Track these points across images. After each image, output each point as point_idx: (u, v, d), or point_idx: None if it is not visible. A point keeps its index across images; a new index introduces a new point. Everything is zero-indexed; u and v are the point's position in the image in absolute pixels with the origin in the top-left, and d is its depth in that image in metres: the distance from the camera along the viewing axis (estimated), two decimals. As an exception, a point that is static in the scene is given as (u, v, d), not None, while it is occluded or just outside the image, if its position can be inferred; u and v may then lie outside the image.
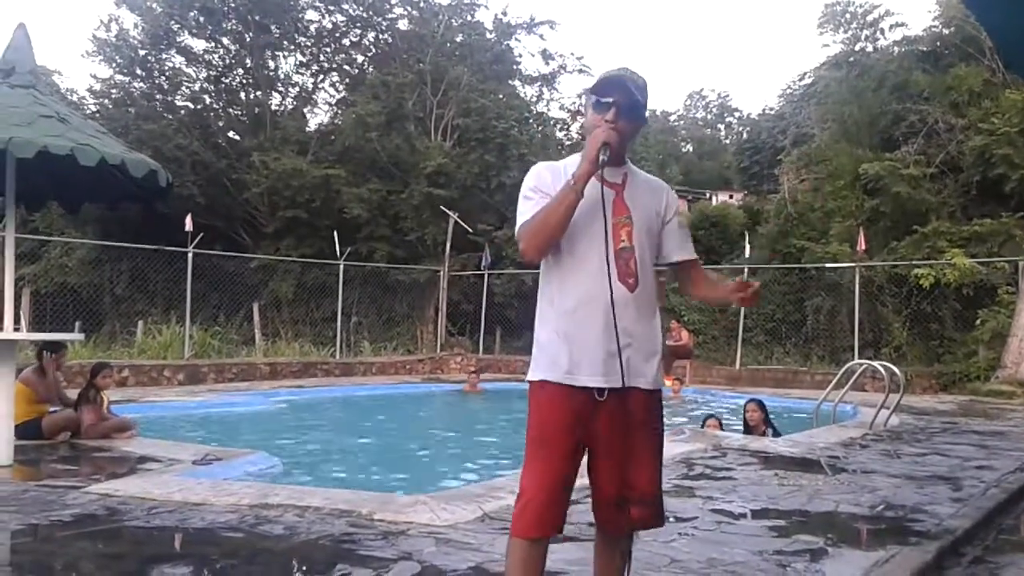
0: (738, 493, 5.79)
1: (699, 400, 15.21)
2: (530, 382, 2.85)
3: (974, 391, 15.11)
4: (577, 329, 2.74)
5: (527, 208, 2.80)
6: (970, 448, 8.41)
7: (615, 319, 2.68)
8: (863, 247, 17.21)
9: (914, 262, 17.43)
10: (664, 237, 2.93)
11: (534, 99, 29.41)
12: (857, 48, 24.39)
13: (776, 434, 9.16)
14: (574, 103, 30.07)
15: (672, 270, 3.04)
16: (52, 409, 8.19)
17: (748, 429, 9.36)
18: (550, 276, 2.85)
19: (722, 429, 9.39)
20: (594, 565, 2.99)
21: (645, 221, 2.84)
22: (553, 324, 2.80)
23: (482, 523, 4.69)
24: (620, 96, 2.73)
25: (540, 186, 2.81)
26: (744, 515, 5.14)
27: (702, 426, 9.49)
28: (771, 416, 9.56)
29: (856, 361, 12.09)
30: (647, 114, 2.96)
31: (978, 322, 16.36)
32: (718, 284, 3.16)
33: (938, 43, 21.89)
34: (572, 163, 2.82)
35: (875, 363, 10.88)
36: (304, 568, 4.02)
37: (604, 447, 2.78)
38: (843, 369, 11.11)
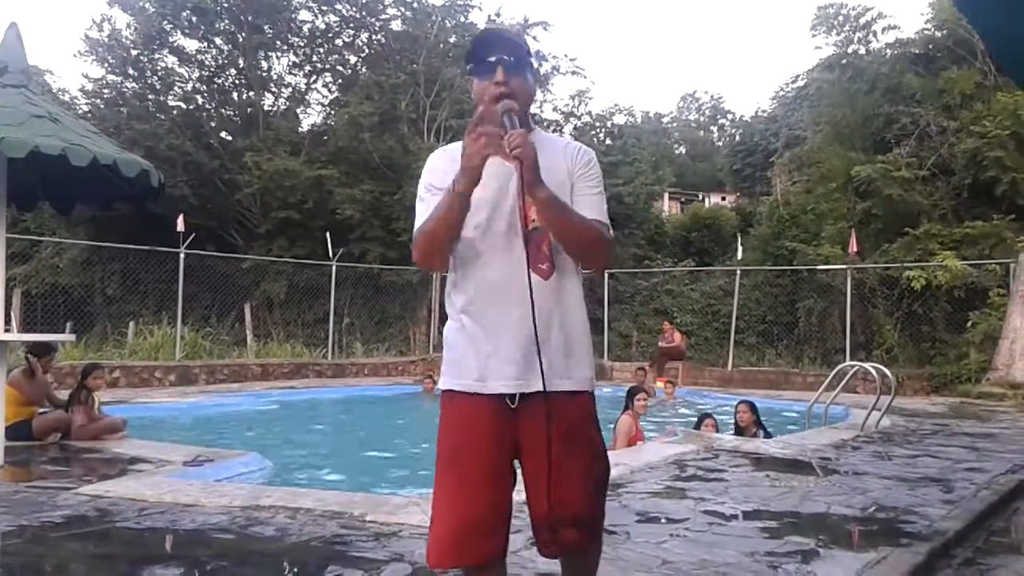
0: (730, 494, 5.79)
1: (691, 401, 15.23)
2: (441, 391, 2.53)
3: (965, 393, 15.15)
4: (484, 326, 2.42)
5: (420, 210, 2.47)
6: (961, 450, 8.43)
7: (532, 313, 2.30)
8: (855, 249, 17.27)
9: (906, 264, 17.48)
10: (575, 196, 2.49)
11: (528, 100, 29.42)
12: (850, 50, 24.42)
13: (767, 435, 9.18)
14: (567, 105, 30.13)
15: None
16: (42, 410, 8.17)
17: (739, 430, 9.39)
18: (452, 273, 2.53)
19: (718, 429, 9.40)
20: None
21: (561, 194, 2.38)
22: (458, 321, 2.50)
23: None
24: (503, 51, 2.40)
25: (433, 182, 2.48)
26: (736, 516, 5.14)
27: (697, 426, 9.49)
28: (762, 417, 9.58)
29: (848, 363, 12.12)
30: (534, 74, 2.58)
31: (969, 324, 16.41)
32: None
33: (930, 46, 21.94)
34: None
35: (866, 365, 10.91)
36: (295, 570, 4.01)
37: (528, 462, 2.43)
38: (835, 371, 11.13)
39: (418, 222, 2.46)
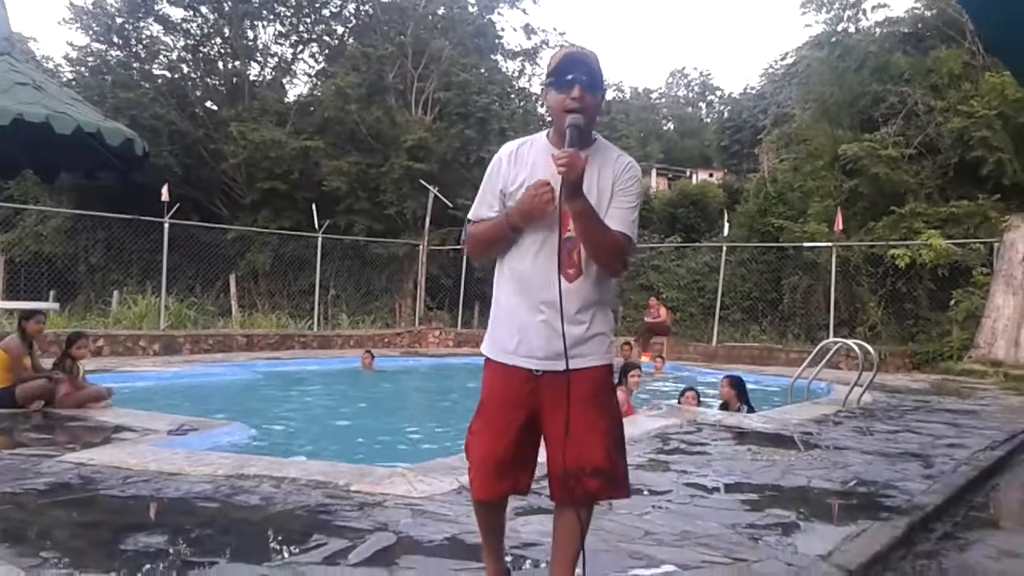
0: (712, 467, 5.84)
1: (674, 376, 15.29)
2: (487, 358, 2.98)
3: (947, 370, 15.28)
4: (517, 314, 2.84)
5: (479, 207, 2.94)
6: (942, 426, 8.51)
7: (560, 309, 2.73)
8: (840, 227, 17.31)
9: (891, 242, 17.55)
10: (611, 206, 2.84)
11: (516, 74, 29.35)
12: (839, 28, 24.35)
13: (751, 410, 9.23)
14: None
15: None
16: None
17: (724, 405, 9.44)
18: (500, 265, 2.95)
19: (699, 401, 9.45)
20: (553, 535, 3.00)
21: (598, 207, 2.77)
22: (501, 304, 2.93)
23: (458, 495, 4.71)
24: (580, 72, 2.75)
25: (501, 175, 2.90)
26: (717, 489, 5.19)
27: (679, 400, 9.53)
28: (746, 393, 9.63)
29: (831, 339, 12.19)
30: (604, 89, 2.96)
31: (952, 303, 16.53)
32: None
33: (920, 25, 21.93)
34: (536, 143, 2.91)
35: (849, 341, 10.98)
36: (280, 538, 4.02)
37: (549, 422, 2.83)
38: (818, 347, 11.20)
39: (474, 210, 2.94)
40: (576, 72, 2.74)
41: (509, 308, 2.88)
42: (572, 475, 2.78)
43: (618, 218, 2.80)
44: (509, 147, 2.97)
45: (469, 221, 2.96)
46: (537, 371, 2.81)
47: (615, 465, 2.85)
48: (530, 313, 2.80)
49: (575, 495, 2.81)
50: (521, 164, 2.86)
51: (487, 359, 2.96)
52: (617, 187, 2.83)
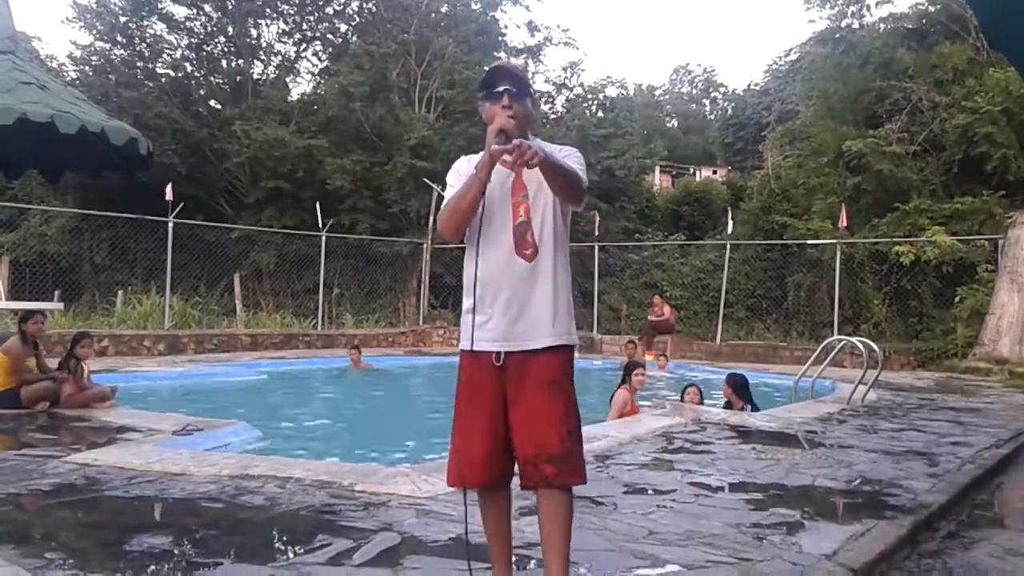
0: (716, 466, 5.84)
1: (677, 375, 15.28)
2: (460, 351, 3.16)
3: (951, 368, 15.25)
4: (481, 300, 3.01)
5: (447, 195, 3.09)
6: (946, 424, 8.50)
7: (513, 290, 2.97)
8: (844, 224, 17.29)
9: (895, 239, 17.51)
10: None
11: (519, 72, 29.26)
12: (843, 24, 24.32)
13: (755, 409, 9.22)
14: (560, 76, 29.95)
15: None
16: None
17: (728, 403, 9.43)
18: (466, 254, 3.12)
19: (702, 399, 9.44)
20: (540, 529, 3.04)
21: (544, 194, 3.03)
22: (467, 297, 3.07)
23: (462, 495, 4.70)
24: (509, 83, 3.01)
25: (462, 173, 3.09)
26: (722, 488, 5.19)
27: (681, 396, 9.52)
28: (750, 391, 9.61)
29: (835, 337, 12.17)
30: (534, 98, 3.23)
31: (957, 300, 16.50)
32: None
33: (924, 21, 21.88)
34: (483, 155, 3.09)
35: (854, 339, 10.96)
36: (285, 538, 4.03)
37: (513, 408, 2.97)
38: (822, 345, 11.18)
39: (444, 204, 3.08)
40: (504, 83, 3.01)
41: (472, 297, 3.02)
42: (530, 461, 2.92)
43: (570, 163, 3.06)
44: (463, 157, 3.21)
45: (438, 217, 3.12)
46: (500, 354, 2.96)
47: (569, 450, 2.95)
48: (492, 297, 2.99)
49: (534, 481, 2.94)
50: (471, 166, 3.03)
51: (461, 351, 3.12)
52: (561, 155, 3.06)
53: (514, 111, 2.98)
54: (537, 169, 2.90)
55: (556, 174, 2.93)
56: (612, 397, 8.67)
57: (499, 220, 3.01)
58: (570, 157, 3.09)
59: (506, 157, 2.79)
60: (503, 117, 2.92)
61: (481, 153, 3.04)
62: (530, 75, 3.27)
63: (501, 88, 3.01)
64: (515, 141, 2.79)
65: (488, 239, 3.02)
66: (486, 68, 3.15)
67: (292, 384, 12.86)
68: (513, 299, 2.97)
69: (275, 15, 26.32)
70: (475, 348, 3.01)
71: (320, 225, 19.19)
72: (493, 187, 2.96)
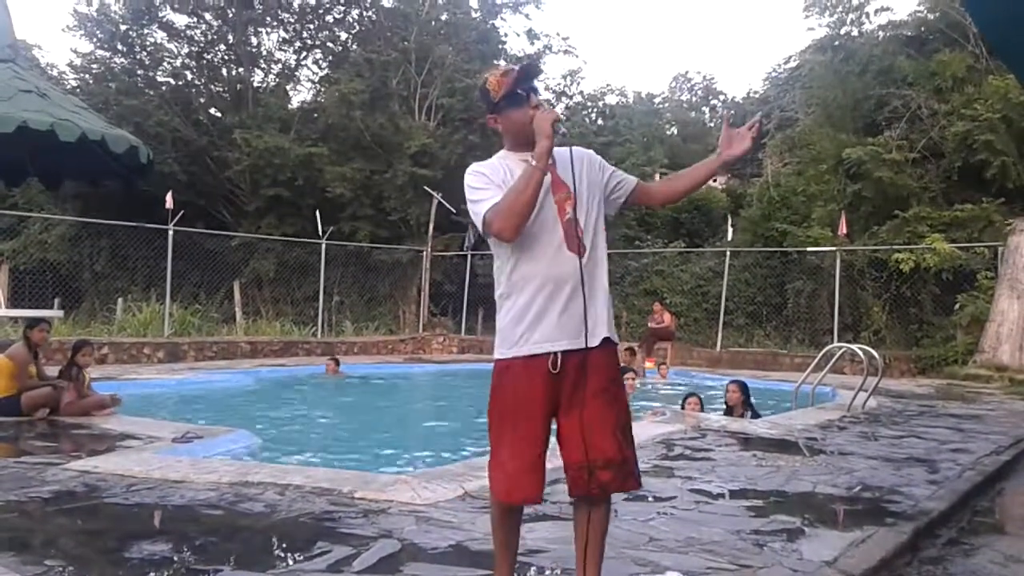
0: (717, 473, 5.83)
1: (678, 383, 15.26)
2: (495, 361, 3.02)
3: (952, 375, 15.24)
4: (534, 301, 2.91)
5: (487, 195, 2.93)
6: (947, 431, 8.49)
7: (568, 286, 2.89)
8: (844, 231, 17.30)
9: (895, 247, 17.52)
10: (611, 185, 3.18)
11: (519, 79, 29.29)
12: (842, 32, 24.36)
13: (755, 415, 9.21)
14: (559, 84, 30.01)
15: (634, 197, 3.25)
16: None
17: (728, 410, 9.42)
18: (505, 257, 3.01)
19: (703, 407, 9.43)
20: (576, 537, 3.06)
21: (586, 189, 3.04)
22: (512, 301, 2.97)
23: (462, 502, 4.71)
24: (529, 83, 3.04)
25: (490, 177, 2.99)
26: (722, 495, 5.18)
27: (682, 405, 9.52)
28: (751, 398, 9.61)
29: (835, 344, 12.16)
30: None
31: (957, 307, 16.49)
32: (693, 168, 3.30)
33: (923, 28, 21.92)
34: (501, 157, 3.09)
35: (854, 346, 10.95)
36: (284, 546, 4.02)
37: (567, 413, 2.92)
38: (822, 352, 11.17)
39: (487, 205, 2.91)
40: (523, 84, 3.02)
41: (523, 300, 2.94)
42: (585, 468, 2.88)
43: (623, 176, 3.22)
44: (478, 165, 3.11)
45: (486, 215, 2.94)
46: (557, 357, 2.87)
47: (627, 455, 2.96)
48: (547, 296, 2.90)
49: (588, 489, 2.91)
50: (495, 171, 3.02)
51: (503, 362, 2.99)
52: (601, 168, 3.17)
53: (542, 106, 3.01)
54: (577, 164, 3.00)
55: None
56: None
57: (545, 216, 2.94)
58: (608, 166, 3.21)
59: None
60: (546, 110, 2.95)
61: (494, 158, 3.09)
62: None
63: (522, 91, 3.01)
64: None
65: (535, 236, 2.93)
66: (496, 78, 3.09)
67: (291, 391, 12.84)
68: (571, 297, 2.89)
69: (275, 23, 26.41)
70: (529, 352, 2.91)
71: (320, 233, 19.20)
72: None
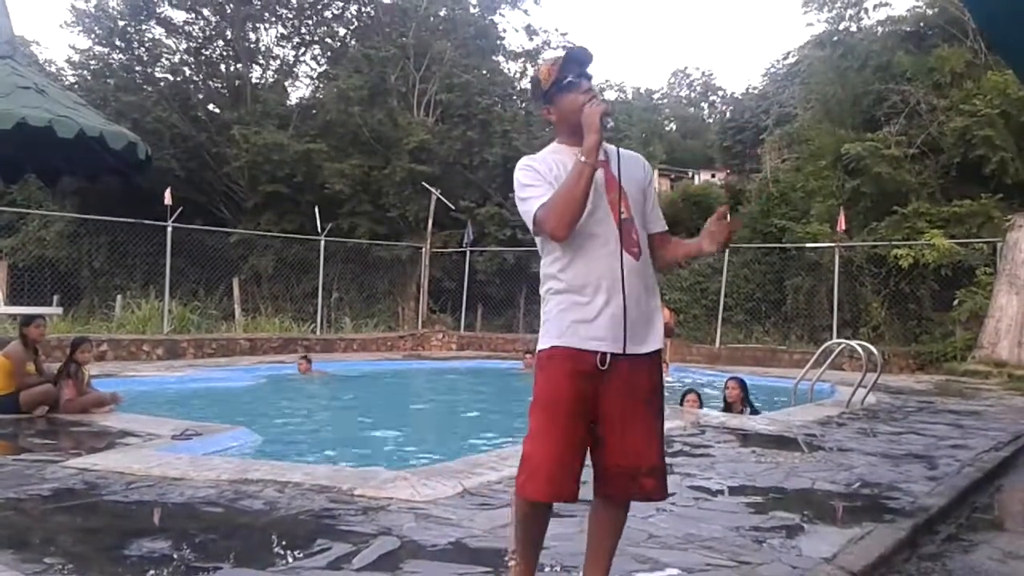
0: (716, 470, 5.84)
1: (678, 379, 15.26)
2: (539, 351, 2.94)
3: (951, 371, 15.24)
4: (588, 300, 2.83)
5: (538, 193, 2.86)
6: (946, 427, 8.50)
7: (623, 288, 2.81)
8: (843, 227, 17.28)
9: (893, 242, 17.51)
10: (646, 209, 3.05)
11: (518, 75, 29.26)
12: (841, 27, 24.30)
13: (754, 412, 9.22)
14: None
15: (650, 240, 3.08)
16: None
17: (727, 406, 9.43)
18: (556, 254, 2.91)
19: (701, 404, 9.43)
20: (592, 535, 3.07)
21: (636, 192, 2.97)
22: (563, 297, 2.88)
23: (462, 499, 4.71)
24: (580, 68, 2.94)
25: (541, 172, 2.90)
26: (722, 492, 5.18)
27: (680, 402, 9.52)
28: (749, 394, 9.62)
29: (834, 340, 12.17)
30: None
31: (956, 303, 16.48)
32: (683, 241, 3.19)
33: (922, 24, 21.89)
34: (553, 150, 3.00)
35: (853, 343, 10.96)
36: (284, 543, 4.02)
37: (611, 417, 2.85)
38: (821, 348, 11.18)
39: (537, 203, 2.84)
40: (577, 70, 2.93)
41: (578, 299, 2.85)
42: (628, 474, 2.87)
43: (658, 211, 3.10)
44: (530, 159, 3.01)
45: (536, 213, 2.86)
46: (606, 357, 2.80)
47: (665, 463, 2.99)
48: (604, 295, 2.82)
49: (630, 494, 2.94)
50: (547, 166, 2.93)
51: (550, 350, 2.89)
52: (647, 182, 3.08)
53: (597, 96, 2.91)
54: (622, 162, 2.93)
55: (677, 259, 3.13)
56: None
57: (600, 215, 2.85)
58: (653, 190, 3.15)
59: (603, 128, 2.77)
60: (597, 103, 2.85)
61: (546, 151, 3.01)
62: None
63: (573, 78, 2.92)
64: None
65: (591, 235, 2.84)
66: (551, 62, 3.01)
67: (290, 388, 12.84)
68: (628, 299, 2.82)
69: (274, 19, 26.37)
70: (579, 346, 2.82)
71: (319, 229, 19.18)
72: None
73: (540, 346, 2.94)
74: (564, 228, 2.79)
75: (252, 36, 26.12)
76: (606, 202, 2.87)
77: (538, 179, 2.89)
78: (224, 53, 26.10)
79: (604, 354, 2.81)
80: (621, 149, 3.01)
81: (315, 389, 13.21)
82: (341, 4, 27.08)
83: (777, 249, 20.43)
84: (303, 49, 27.79)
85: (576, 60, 2.94)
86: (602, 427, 2.86)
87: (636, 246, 2.90)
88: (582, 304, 2.83)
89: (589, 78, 2.96)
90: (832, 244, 17.83)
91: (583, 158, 2.76)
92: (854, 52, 22.13)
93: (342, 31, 27.84)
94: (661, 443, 2.96)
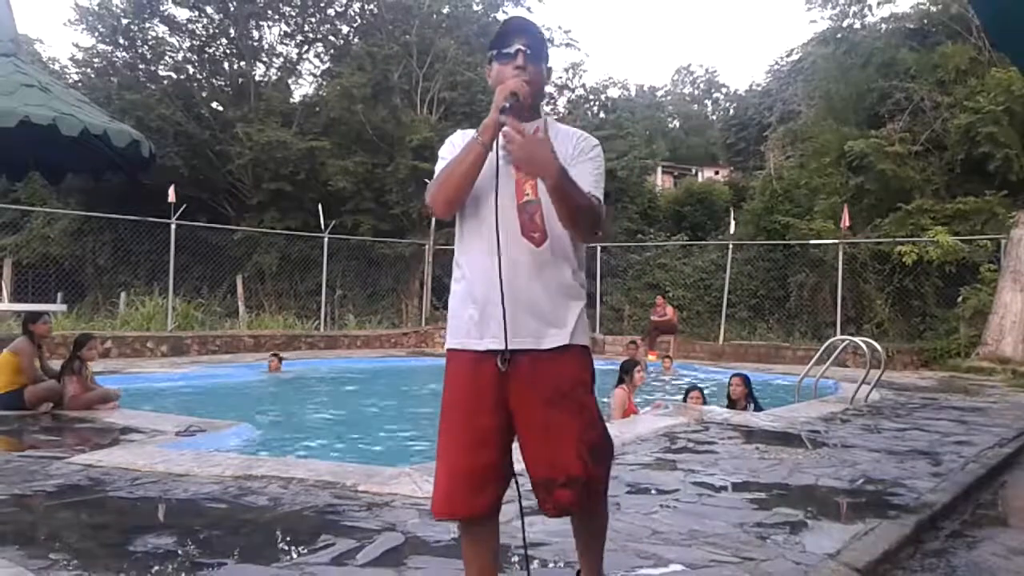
0: (720, 466, 5.83)
1: (683, 375, 15.27)
2: (446, 351, 2.73)
3: (955, 367, 15.23)
4: (482, 290, 2.58)
5: (438, 169, 2.68)
6: (949, 423, 8.49)
7: (501, 277, 2.51)
8: (847, 224, 17.28)
9: (897, 239, 17.51)
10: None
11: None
12: (845, 24, 24.33)
13: (758, 409, 9.22)
14: (561, 77, 29.96)
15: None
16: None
17: (731, 403, 9.43)
18: (459, 237, 2.72)
19: (705, 401, 9.43)
20: (575, 536, 2.91)
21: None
22: (461, 286, 2.67)
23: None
24: (524, 41, 2.63)
25: (456, 146, 2.68)
26: (725, 488, 5.18)
27: (684, 399, 9.52)
28: (754, 391, 9.62)
29: (838, 337, 12.16)
30: (548, 64, 2.80)
31: (960, 299, 16.48)
32: None
33: (925, 21, 21.88)
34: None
35: (857, 339, 10.95)
36: (288, 539, 4.03)
37: (522, 423, 2.59)
38: (825, 345, 11.17)
39: (435, 177, 2.65)
40: (520, 41, 2.63)
41: (468, 288, 2.63)
42: (542, 485, 2.56)
43: (582, 180, 2.57)
44: (458, 131, 2.82)
45: (426, 194, 2.70)
46: (505, 353, 2.53)
47: (592, 473, 2.56)
48: (492, 288, 2.53)
49: (547, 507, 2.59)
50: (465, 140, 2.66)
51: (450, 351, 2.69)
52: (576, 156, 2.67)
53: (529, 74, 2.61)
54: (557, 144, 2.51)
55: (564, 201, 2.48)
56: (611, 397, 8.66)
57: (502, 198, 2.54)
58: (588, 162, 2.68)
59: (507, 129, 2.40)
60: (517, 80, 2.56)
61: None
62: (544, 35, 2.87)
63: (514, 48, 2.61)
64: (525, 126, 2.44)
65: (485, 219, 2.58)
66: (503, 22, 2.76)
67: (294, 385, 12.85)
68: (520, 290, 2.53)
69: (277, 17, 26.36)
70: (476, 348, 2.58)
71: (322, 226, 19.20)
72: (493, 158, 2.55)
73: (446, 344, 2.74)
74: (442, 206, 2.62)
75: (255, 34, 26.12)
76: (512, 182, 2.58)
77: (451, 153, 2.66)
78: (227, 51, 26.10)
79: (502, 353, 2.54)
80: (563, 126, 2.78)
81: (315, 387, 13.25)
82: (344, 2, 27.08)
83: (781, 246, 20.44)
84: (306, 47, 27.79)
85: (523, 32, 2.66)
86: (518, 435, 2.61)
87: (539, 230, 2.57)
88: (473, 296, 2.60)
89: (534, 58, 2.65)
90: (836, 241, 17.83)
91: (477, 135, 2.55)
92: (858, 49, 22.13)
93: (345, 29, 27.83)
94: (586, 449, 2.55)
